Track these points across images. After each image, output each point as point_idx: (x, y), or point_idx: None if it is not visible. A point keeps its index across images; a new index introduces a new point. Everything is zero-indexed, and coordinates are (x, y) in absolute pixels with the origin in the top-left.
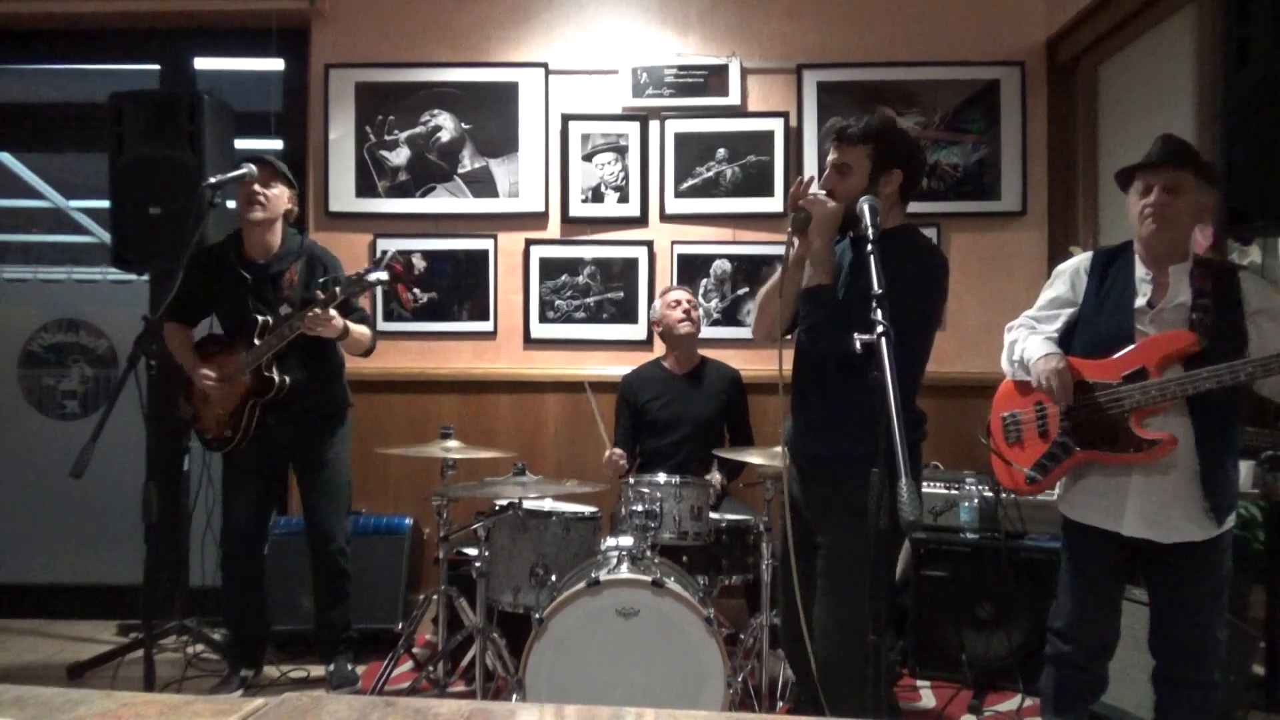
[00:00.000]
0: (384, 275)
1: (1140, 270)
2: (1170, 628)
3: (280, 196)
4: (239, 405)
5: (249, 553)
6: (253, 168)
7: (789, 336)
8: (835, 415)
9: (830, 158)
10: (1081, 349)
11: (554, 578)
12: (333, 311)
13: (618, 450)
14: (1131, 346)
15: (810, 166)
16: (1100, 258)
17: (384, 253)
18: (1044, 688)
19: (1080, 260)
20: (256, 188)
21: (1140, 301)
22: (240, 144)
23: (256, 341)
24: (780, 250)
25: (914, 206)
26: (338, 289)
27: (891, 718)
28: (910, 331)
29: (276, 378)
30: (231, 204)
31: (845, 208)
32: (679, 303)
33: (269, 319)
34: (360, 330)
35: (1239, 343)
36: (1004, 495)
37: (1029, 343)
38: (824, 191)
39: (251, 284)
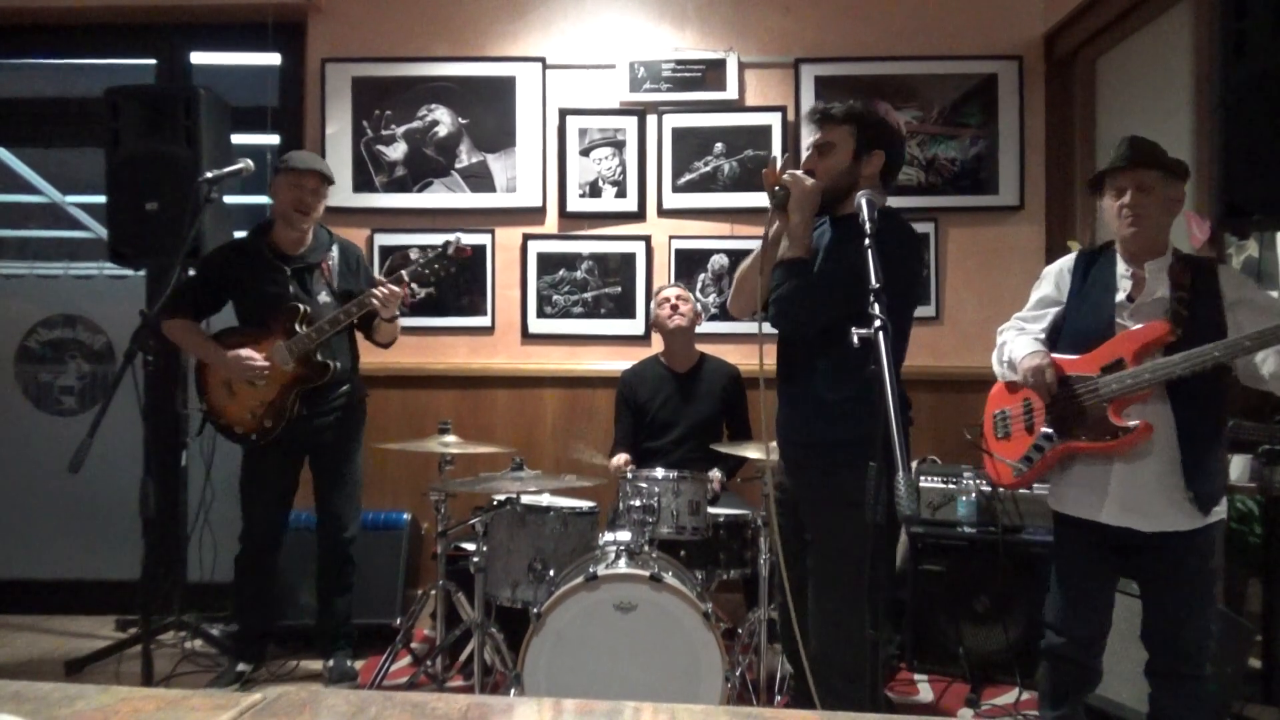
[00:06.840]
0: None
1: (1121, 267)
2: (1160, 620)
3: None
4: (279, 394)
5: (268, 550)
6: (249, 163)
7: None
8: (821, 398)
9: (812, 138)
10: (1066, 345)
11: (552, 572)
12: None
13: (623, 456)
14: (1111, 339)
15: None
16: (1084, 258)
17: (449, 241)
18: (1040, 682)
19: (1065, 261)
20: (311, 198)
21: (1120, 296)
22: (237, 139)
23: (299, 329)
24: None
25: (912, 200)
26: (407, 270)
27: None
28: (899, 306)
29: (332, 363)
30: (229, 199)
31: (824, 186)
32: (667, 300)
33: (308, 308)
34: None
35: (1217, 334)
36: (992, 490)
37: (1016, 343)
38: (802, 171)
39: (292, 274)
